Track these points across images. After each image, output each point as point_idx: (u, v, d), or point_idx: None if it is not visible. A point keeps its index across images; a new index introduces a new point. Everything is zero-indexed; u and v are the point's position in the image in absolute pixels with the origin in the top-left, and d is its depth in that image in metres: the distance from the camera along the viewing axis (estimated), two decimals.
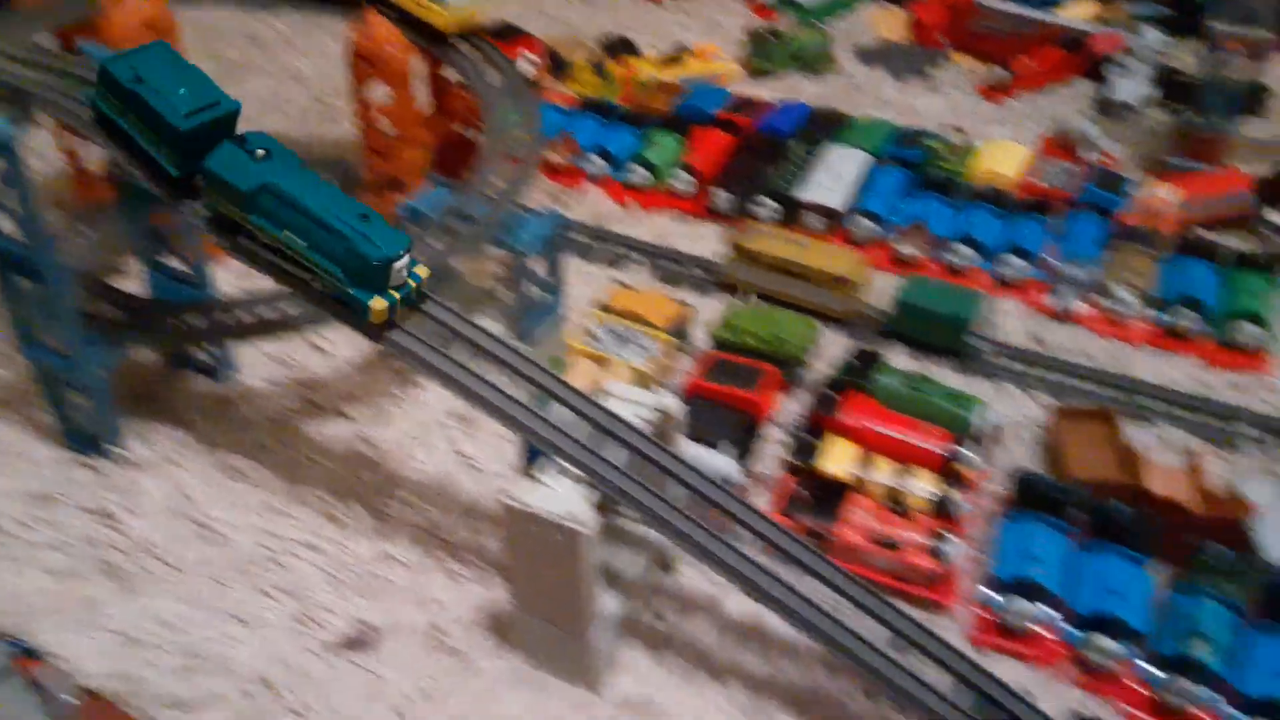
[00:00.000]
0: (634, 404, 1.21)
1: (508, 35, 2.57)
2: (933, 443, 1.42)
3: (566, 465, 1.12)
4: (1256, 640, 1.17)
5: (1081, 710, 1.15)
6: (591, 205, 2.06)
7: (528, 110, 1.72)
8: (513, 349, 1.21)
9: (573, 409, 1.16)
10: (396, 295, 1.12)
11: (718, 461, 1.35)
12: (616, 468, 1.12)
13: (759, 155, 2.08)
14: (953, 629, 1.27)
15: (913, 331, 1.67)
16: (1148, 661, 1.18)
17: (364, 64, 1.78)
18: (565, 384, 1.18)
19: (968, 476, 1.40)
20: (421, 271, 1.16)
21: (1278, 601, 1.19)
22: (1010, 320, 1.75)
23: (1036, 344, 1.70)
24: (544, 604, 1.17)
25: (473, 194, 1.56)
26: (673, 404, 1.22)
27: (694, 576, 1.32)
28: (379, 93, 1.82)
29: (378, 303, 1.11)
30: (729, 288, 1.81)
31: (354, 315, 1.13)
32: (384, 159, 1.90)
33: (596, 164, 2.11)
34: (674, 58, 2.52)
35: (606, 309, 1.69)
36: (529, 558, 1.14)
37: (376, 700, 1.20)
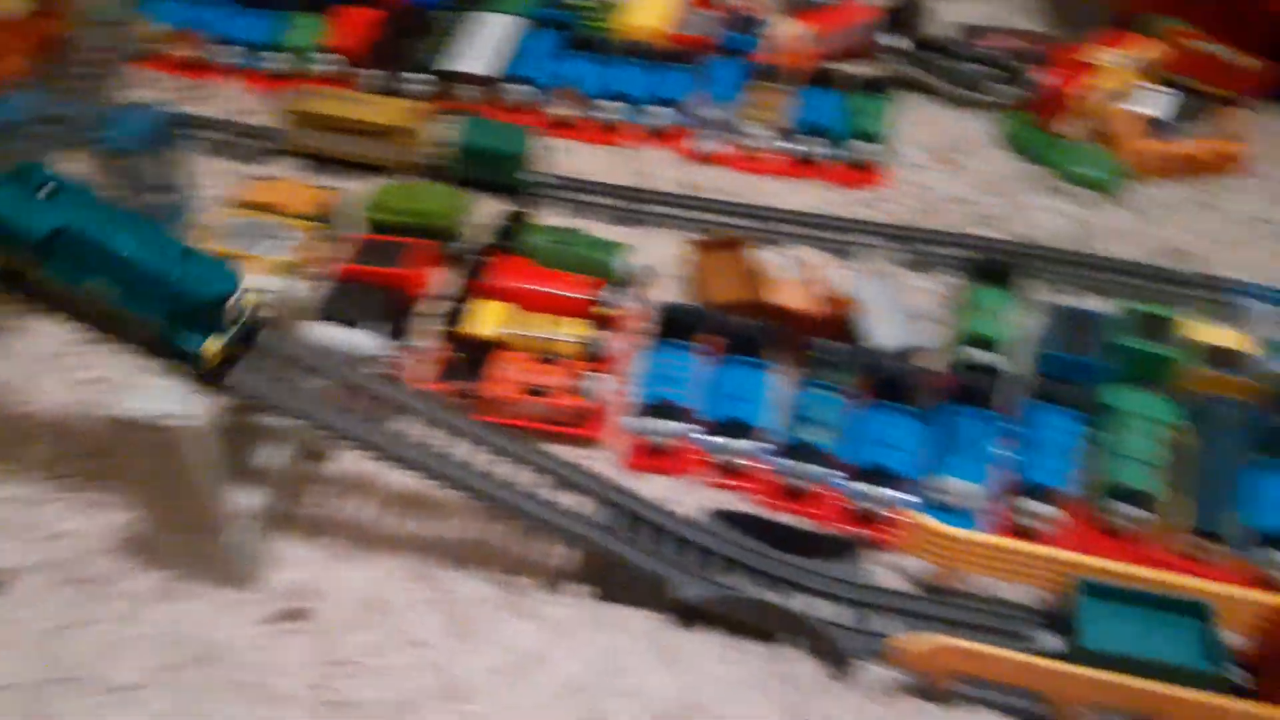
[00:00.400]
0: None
1: None
2: (579, 291, 1.47)
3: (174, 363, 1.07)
4: (864, 418, 1.31)
5: (720, 507, 1.26)
6: (229, 99, 1.93)
7: (123, 5, 1.57)
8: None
9: None
10: (230, 332, 1.05)
11: (358, 340, 1.34)
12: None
13: (407, 30, 2.01)
14: (609, 459, 1.35)
15: (473, 172, 1.70)
16: (774, 454, 1.29)
17: None
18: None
19: (616, 318, 1.47)
20: (250, 299, 1.08)
21: (881, 382, 1.33)
22: (661, 168, 1.81)
23: (685, 188, 1.78)
24: (174, 512, 1.13)
25: (61, 94, 1.42)
26: (298, 289, 1.19)
27: (351, 458, 1.31)
28: None
29: (210, 346, 1.04)
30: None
31: (185, 362, 1.05)
32: None
33: (231, 54, 1.97)
34: None
35: (242, 204, 1.60)
36: (148, 466, 1.09)
37: (12, 647, 1.13)
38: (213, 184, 1.73)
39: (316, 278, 1.52)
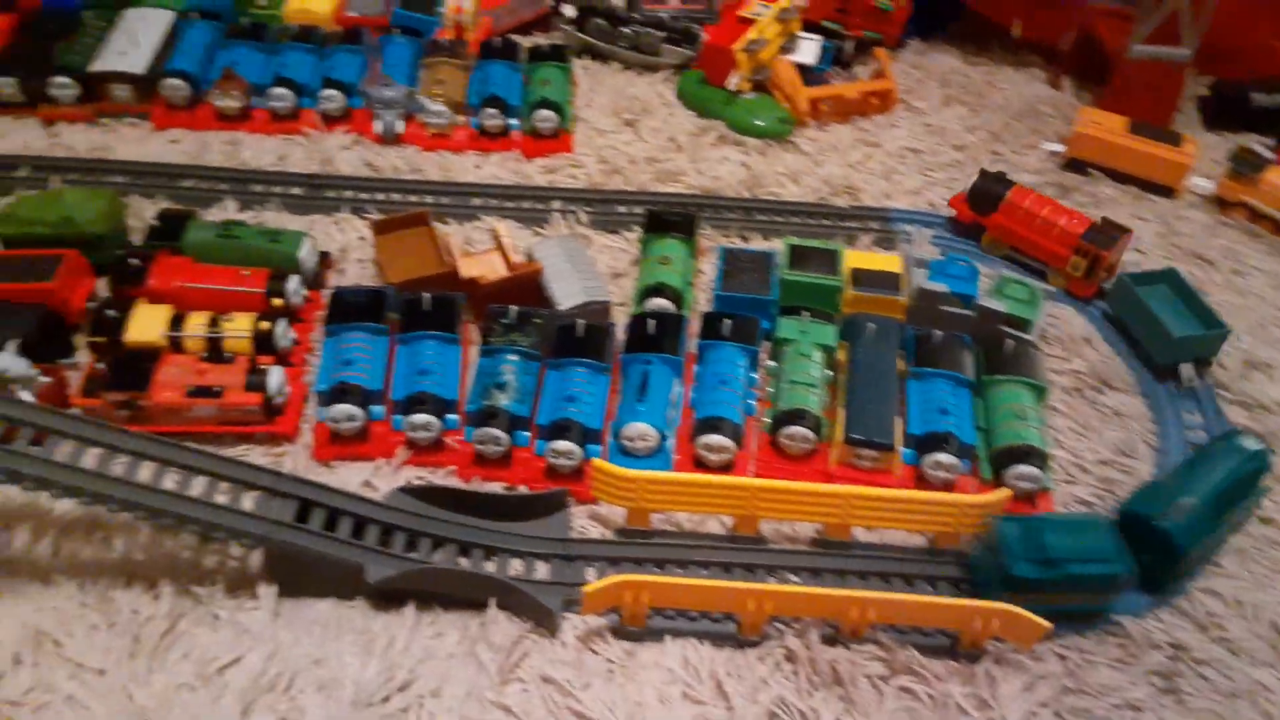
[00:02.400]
0: None
1: None
2: (249, 285, 1.39)
3: None
4: (548, 377, 1.32)
5: (412, 483, 1.23)
6: None
7: None
8: None
9: None
10: None
11: None
12: None
13: (45, 33, 1.84)
14: (299, 452, 1.29)
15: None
16: (466, 423, 1.28)
17: None
18: None
19: (293, 308, 1.40)
20: None
21: (563, 341, 1.34)
22: (344, 153, 1.75)
23: (371, 170, 1.73)
24: None
25: None
26: None
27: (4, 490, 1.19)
28: None
29: None
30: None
31: None
32: None
33: None
34: None
35: None
36: None
37: None
38: None
39: None
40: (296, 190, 1.68)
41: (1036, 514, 1.24)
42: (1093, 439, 1.37)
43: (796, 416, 1.26)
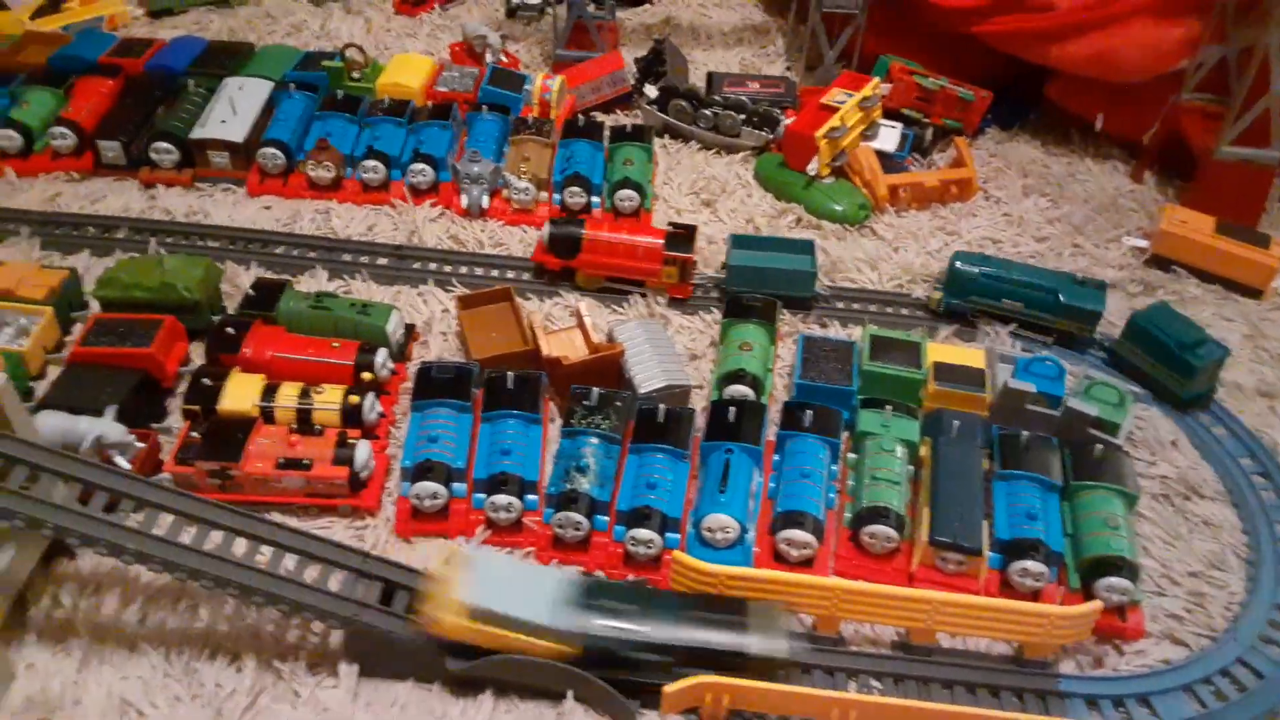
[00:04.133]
0: None
1: None
2: (339, 357, 1.42)
3: None
4: (629, 462, 1.32)
5: None
6: None
7: None
8: None
9: None
10: None
11: (90, 427, 1.25)
12: None
13: (150, 98, 1.92)
14: (381, 527, 1.31)
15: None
16: (548, 505, 1.28)
17: None
18: None
19: (381, 382, 1.43)
20: None
21: (644, 425, 1.35)
22: (431, 226, 1.80)
23: (456, 243, 1.77)
24: None
25: None
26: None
27: (95, 555, 1.21)
28: None
29: None
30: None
31: None
32: None
33: None
34: (50, 5, 2.24)
35: None
36: None
37: None
38: None
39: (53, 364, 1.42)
40: (383, 261, 1.72)
41: None
42: (1181, 549, 1.34)
43: (879, 515, 1.24)
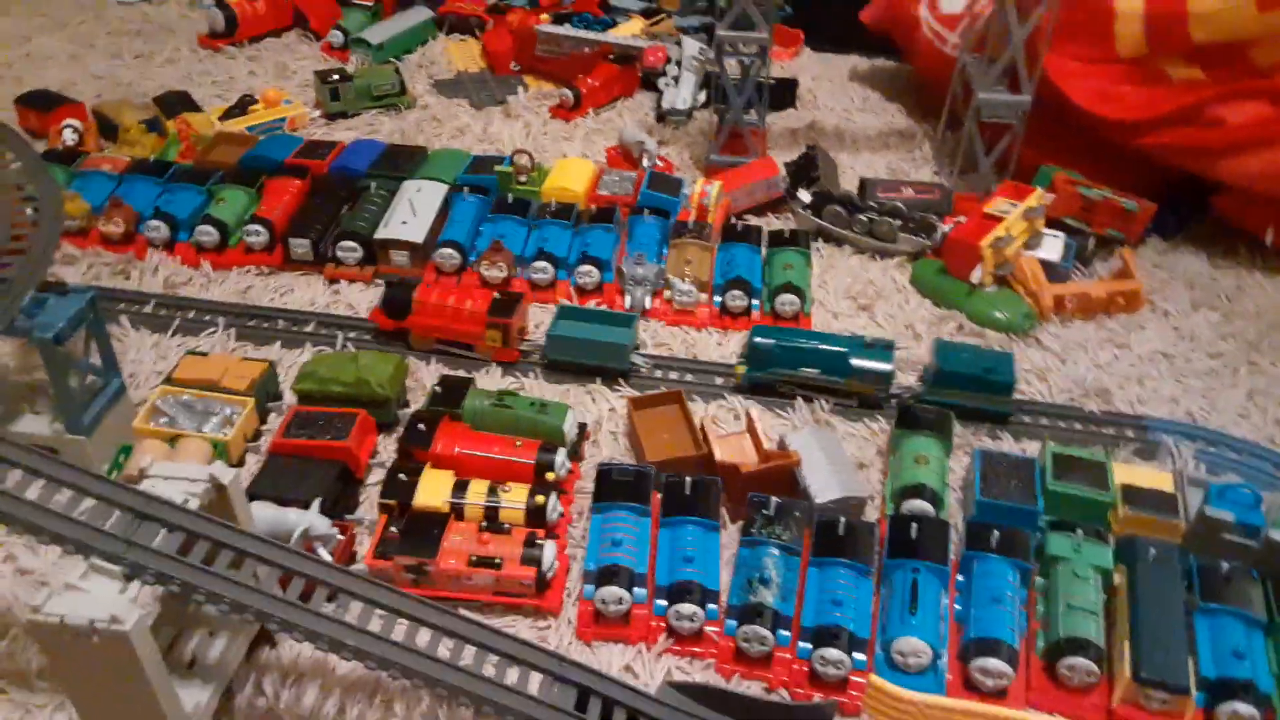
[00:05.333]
0: (180, 480, 1.14)
1: (47, 105, 2.35)
2: (521, 456, 1.47)
3: (100, 563, 1.03)
4: (810, 575, 1.32)
5: (674, 677, 1.24)
6: (161, 273, 1.93)
7: (43, 184, 1.57)
8: (21, 447, 1.10)
9: (100, 498, 1.08)
10: None
11: (300, 519, 1.31)
12: (163, 554, 1.05)
13: (334, 198, 2.05)
14: (562, 629, 1.33)
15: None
16: (728, 615, 1.29)
17: None
18: (89, 474, 1.10)
19: (560, 481, 1.47)
20: None
21: (824, 538, 1.35)
22: None
23: None
24: (117, 715, 1.07)
25: None
26: (225, 472, 1.16)
27: (297, 644, 1.27)
28: None
29: None
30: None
31: None
32: None
33: (158, 229, 1.97)
34: (238, 108, 2.42)
35: (173, 381, 1.58)
36: (81, 671, 1.04)
37: None
38: (146, 360, 1.71)
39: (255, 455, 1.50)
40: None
41: None
42: None
43: (1079, 646, 1.21)
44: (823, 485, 1.42)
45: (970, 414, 1.62)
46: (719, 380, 1.74)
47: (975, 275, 1.84)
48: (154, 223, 1.97)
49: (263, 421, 1.61)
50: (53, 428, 1.48)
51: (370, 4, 2.93)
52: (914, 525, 1.33)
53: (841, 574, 1.30)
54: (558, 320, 1.74)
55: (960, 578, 1.32)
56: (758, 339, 1.66)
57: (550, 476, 1.45)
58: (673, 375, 1.74)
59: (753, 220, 2.14)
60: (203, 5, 3.04)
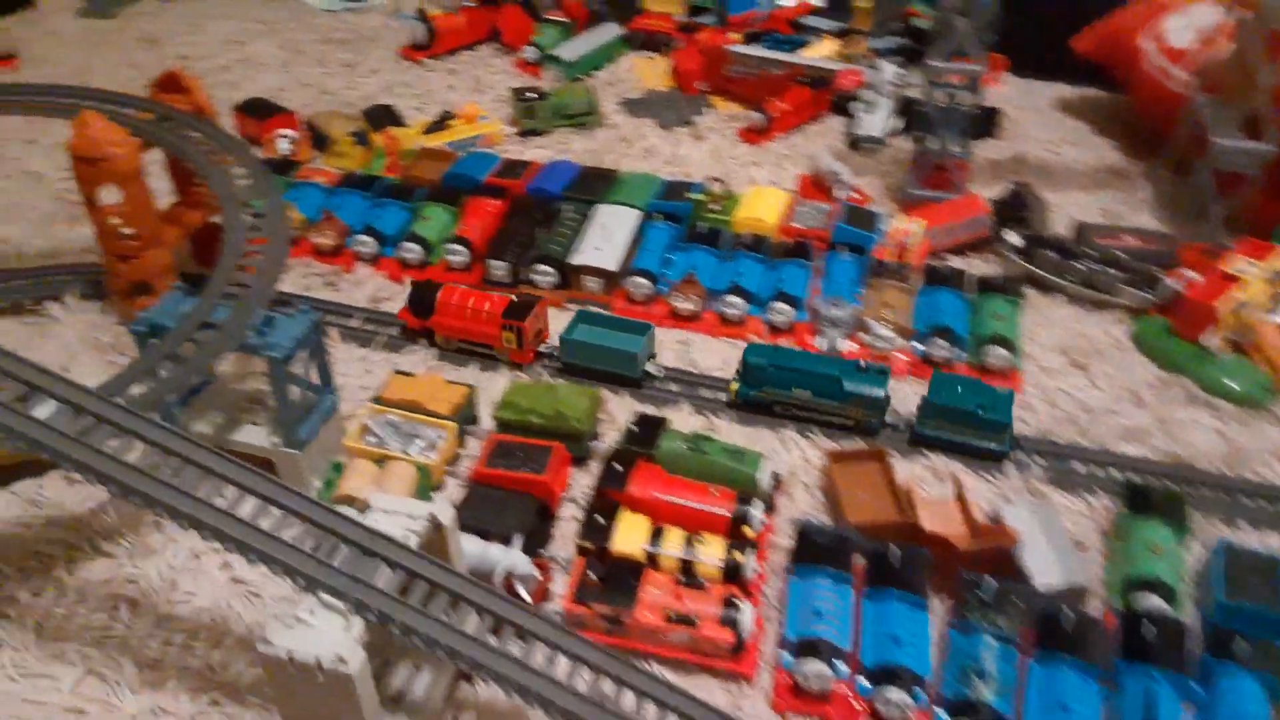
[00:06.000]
0: (401, 516, 1.16)
1: (262, 113, 2.47)
2: (718, 506, 1.44)
3: (327, 598, 1.06)
4: (1032, 672, 1.24)
5: None
6: (367, 287, 1.99)
7: (272, 200, 1.64)
8: (258, 474, 1.14)
9: (331, 532, 1.11)
10: None
11: (505, 557, 1.32)
12: (384, 593, 1.07)
13: (530, 219, 2.07)
14: (757, 696, 1.29)
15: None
16: (936, 705, 1.22)
17: (87, 166, 1.65)
18: (320, 505, 1.13)
19: (755, 536, 1.43)
20: None
21: (1047, 630, 1.26)
22: None
23: None
24: None
25: (214, 297, 1.47)
26: (444, 510, 1.18)
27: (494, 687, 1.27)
28: (111, 195, 1.69)
29: None
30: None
31: None
32: (126, 263, 1.77)
33: (366, 243, 2.04)
34: (438, 123, 2.48)
35: (382, 401, 1.62)
36: (299, 700, 1.07)
37: None
38: (351, 373, 1.77)
39: (460, 479, 1.53)
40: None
41: None
42: None
43: None
44: (1044, 568, 1.33)
45: (961, 450, 1.58)
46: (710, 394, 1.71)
47: (1209, 339, 1.70)
48: (363, 237, 2.04)
49: (460, 445, 1.64)
50: (270, 440, 1.54)
51: (563, 19, 2.96)
52: (1149, 625, 1.23)
53: (1070, 676, 1.20)
54: (574, 325, 1.75)
55: (1204, 690, 1.20)
56: (750, 357, 1.64)
57: (748, 533, 1.42)
58: (676, 388, 1.74)
59: (954, 261, 2.05)
60: (404, 17, 3.15)
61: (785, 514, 1.52)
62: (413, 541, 1.14)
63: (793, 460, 1.62)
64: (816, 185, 2.27)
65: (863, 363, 1.64)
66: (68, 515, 1.52)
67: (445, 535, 1.19)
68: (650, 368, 1.74)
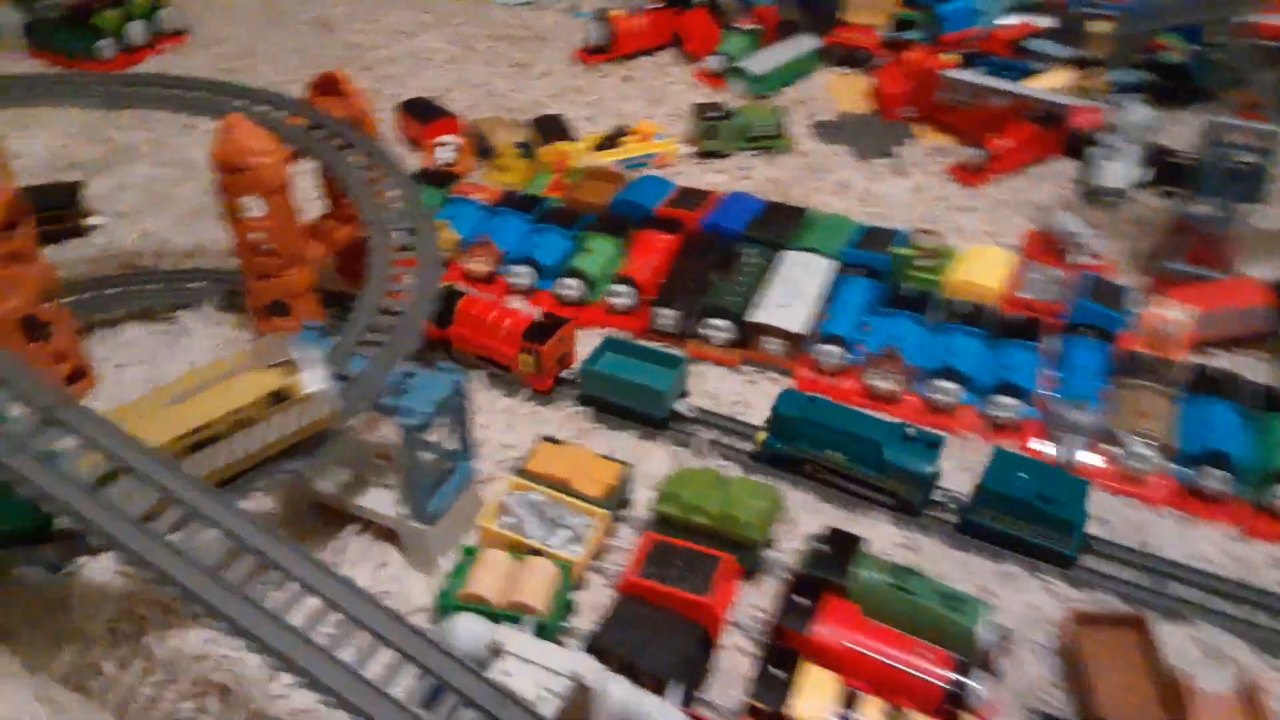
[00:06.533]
0: (539, 669, 0.93)
1: (426, 116, 2.30)
2: (930, 671, 1.14)
3: None
4: None
5: None
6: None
7: (423, 239, 1.44)
8: (366, 597, 0.92)
9: (454, 690, 0.88)
10: None
11: (660, 716, 1.06)
12: None
13: (705, 261, 1.80)
14: None
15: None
16: None
17: (230, 175, 1.48)
18: (442, 651, 0.90)
19: (978, 714, 1.13)
20: None
21: None
22: None
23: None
24: None
25: (349, 346, 1.27)
26: (587, 668, 0.93)
27: None
28: (253, 206, 1.52)
29: None
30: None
31: None
32: (264, 281, 1.60)
33: (522, 274, 1.82)
34: (611, 138, 2.25)
35: (526, 474, 1.39)
36: None
37: None
38: (494, 426, 1.55)
39: (608, 578, 1.28)
40: (949, 517, 1.43)
41: None
42: None
43: None
44: None
45: (1021, 546, 1.34)
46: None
47: None
48: (519, 268, 1.82)
49: (609, 533, 1.39)
50: (397, 509, 1.34)
51: (753, 28, 2.68)
52: None
53: None
54: (599, 353, 1.58)
55: None
56: (782, 408, 1.45)
57: (968, 709, 1.11)
58: (715, 434, 1.52)
59: (1221, 358, 1.67)
60: (581, 15, 2.94)
61: (1013, 683, 1.21)
62: (550, 707, 0.90)
63: (1018, 608, 1.30)
64: (1047, 245, 1.92)
65: (911, 429, 1.41)
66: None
67: (588, 702, 0.94)
68: (681, 407, 1.53)
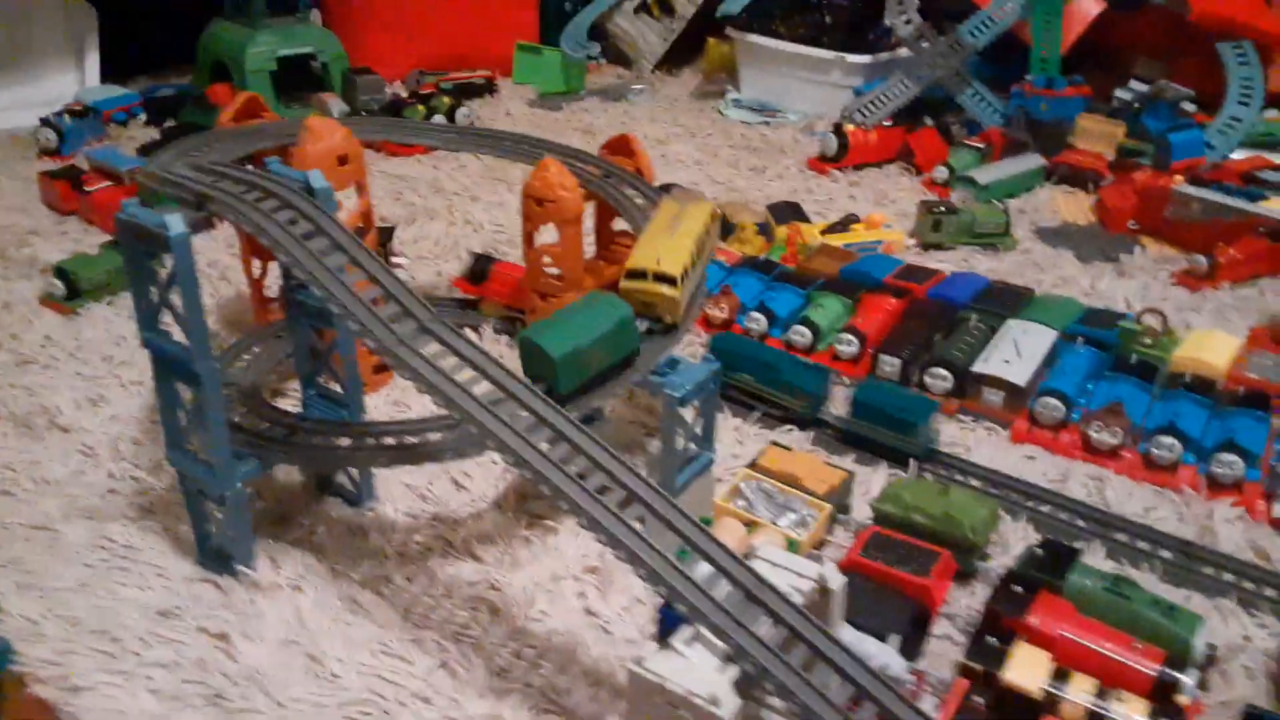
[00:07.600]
0: (789, 572, 1.07)
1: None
2: (1139, 660, 1.20)
3: (708, 634, 0.98)
4: None
5: None
6: None
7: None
8: (659, 493, 1.10)
9: (720, 569, 1.04)
10: None
11: (881, 654, 1.17)
12: (765, 645, 0.98)
13: (929, 322, 1.96)
14: None
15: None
16: None
17: (535, 205, 1.79)
18: (715, 541, 1.06)
19: (1184, 707, 1.17)
20: None
21: None
22: (1226, 527, 1.52)
23: (1259, 558, 1.47)
24: None
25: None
26: (834, 576, 1.07)
27: None
28: (547, 235, 1.82)
29: None
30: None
31: None
32: (545, 299, 1.88)
33: (758, 320, 2.04)
34: (842, 224, 2.47)
35: (757, 467, 1.56)
36: None
37: None
38: (724, 440, 1.73)
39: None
40: (1166, 553, 1.47)
41: None
42: None
43: None
44: None
45: (882, 451, 1.66)
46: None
47: None
48: (755, 314, 2.04)
49: (829, 531, 1.52)
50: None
51: (981, 145, 2.88)
52: None
53: None
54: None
55: None
56: (716, 343, 1.87)
57: (1181, 701, 1.16)
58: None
59: None
60: (817, 134, 3.23)
61: (1218, 695, 1.24)
62: (796, 599, 1.04)
63: (1229, 634, 1.34)
64: (1271, 337, 1.95)
65: (807, 361, 1.84)
66: (450, 515, 1.59)
67: (831, 601, 1.08)
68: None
